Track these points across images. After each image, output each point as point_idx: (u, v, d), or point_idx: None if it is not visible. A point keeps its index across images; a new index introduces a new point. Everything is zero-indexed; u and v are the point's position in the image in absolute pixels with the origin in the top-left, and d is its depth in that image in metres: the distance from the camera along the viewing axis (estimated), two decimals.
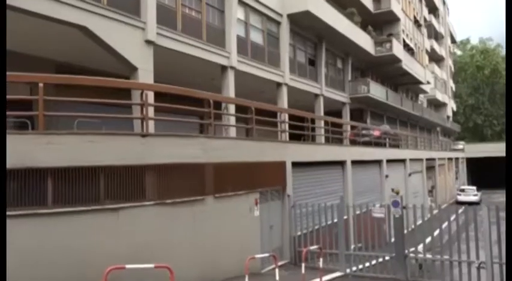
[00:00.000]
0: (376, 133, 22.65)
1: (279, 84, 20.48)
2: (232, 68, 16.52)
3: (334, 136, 18.22)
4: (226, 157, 9.98)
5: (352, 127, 23.01)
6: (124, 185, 7.79)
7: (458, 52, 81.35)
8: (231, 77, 16.45)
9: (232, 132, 15.94)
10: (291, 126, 15.86)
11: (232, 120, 16.01)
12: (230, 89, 16.37)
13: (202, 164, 9.20)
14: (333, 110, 29.03)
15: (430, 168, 32.36)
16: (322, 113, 24.29)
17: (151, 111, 10.28)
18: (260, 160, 11.25)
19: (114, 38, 11.13)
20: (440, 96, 54.82)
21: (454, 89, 68.77)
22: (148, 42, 12.40)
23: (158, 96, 11.28)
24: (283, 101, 20.34)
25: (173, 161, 8.55)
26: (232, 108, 15.83)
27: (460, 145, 54.23)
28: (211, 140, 9.65)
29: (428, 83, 43.36)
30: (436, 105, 58.07)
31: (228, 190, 9.90)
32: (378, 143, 21.92)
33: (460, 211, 11.29)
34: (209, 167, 9.35)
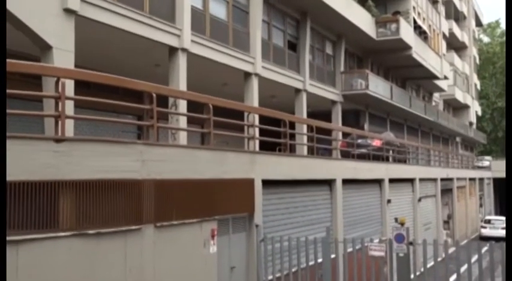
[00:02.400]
0: (377, 143, 23.06)
1: (247, 75, 20.63)
2: (183, 50, 16.53)
3: (321, 146, 18.43)
4: (173, 171, 9.93)
5: (345, 134, 23.36)
6: (28, 209, 7.62)
7: (485, 39, 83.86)
8: (182, 63, 16.45)
9: (183, 138, 15.90)
10: (262, 132, 15.95)
11: (183, 121, 15.98)
12: (181, 79, 16.36)
13: (139, 181, 9.12)
14: (320, 111, 29.44)
15: (446, 191, 33.15)
16: (305, 115, 24.56)
17: (69, 107, 10.13)
18: (219, 176, 11.25)
19: (17, 1, 10.95)
20: (461, 96, 56.35)
21: (479, 86, 70.90)
22: (69, 11, 12.24)
23: (81, 86, 11.14)
24: (253, 98, 20.48)
25: (99, 176, 8.44)
26: (183, 106, 15.80)
27: (486, 161, 55.73)
28: (153, 148, 9.60)
29: (445, 78, 44.59)
30: (456, 107, 59.71)
31: (175, 217, 9.85)
32: (378, 156, 22.31)
33: (484, 249, 11.58)
34: (149, 185, 9.28)
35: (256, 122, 16.10)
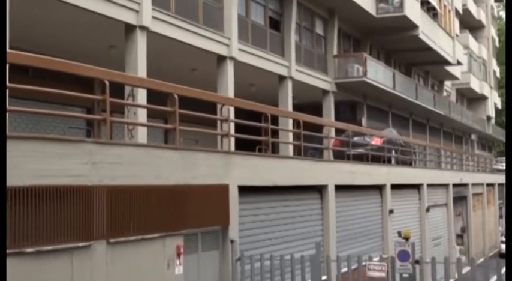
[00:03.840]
0: (376, 142, 23.20)
1: (221, 59, 20.65)
2: (143, 28, 16.48)
3: (310, 145, 18.50)
4: (130, 176, 9.89)
5: (339, 131, 23.45)
6: None
7: None
8: (141, 44, 16.40)
9: (142, 135, 15.85)
10: (239, 128, 15.94)
11: (143, 115, 15.91)
12: (139, 64, 16.32)
13: (88, 187, 9.07)
14: (309, 102, 29.53)
15: (460, 199, 33.48)
16: (290, 108, 24.64)
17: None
18: (187, 182, 11.23)
19: None
20: (477, 85, 56.98)
21: (498, 74, 71.72)
22: None
23: (17, 72, 11.03)
24: (228, 86, 20.50)
25: (39, 182, 8.37)
26: (142, 96, 15.74)
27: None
28: (106, 147, 9.55)
29: (458, 63, 45.07)
30: (471, 99, 60.39)
31: (132, 232, 9.81)
32: (378, 157, 22.46)
33: (504, 269, 11.71)
34: (100, 193, 9.23)
35: (232, 116, 16.10)
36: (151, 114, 16.38)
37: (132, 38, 16.36)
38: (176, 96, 11.43)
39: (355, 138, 21.88)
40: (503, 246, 38.47)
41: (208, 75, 21.57)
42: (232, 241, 12.51)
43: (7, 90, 8.49)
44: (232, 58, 20.75)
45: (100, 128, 10.07)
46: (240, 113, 16.13)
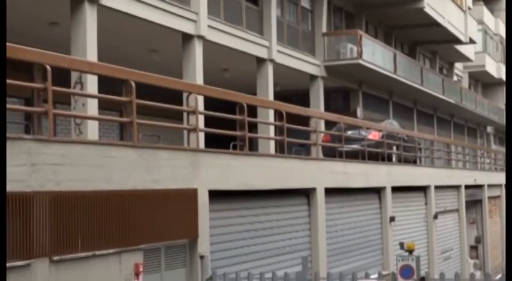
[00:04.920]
0: (374, 136, 23.30)
1: (187, 38, 20.61)
2: (92, 2, 16.38)
3: (295, 141, 18.52)
4: (78, 180, 9.85)
5: (330, 124, 23.49)
6: None
7: None
8: (90, 20, 16.33)
9: (93, 131, 15.77)
10: (209, 121, 15.92)
11: (93, 107, 15.83)
12: (88, 44, 16.25)
13: (27, 194, 9.01)
14: (293, 90, 29.58)
15: (474, 204, 33.73)
16: (271, 96, 24.64)
17: None
18: (147, 186, 11.20)
19: None
20: (493, 68, 57.39)
21: None
22: None
23: None
24: (196, 71, 20.47)
25: None
26: (92, 84, 15.66)
27: None
28: (48, 146, 9.49)
29: (471, 41, 45.32)
30: (487, 84, 60.82)
31: (81, 247, 9.77)
32: (376, 154, 22.56)
33: None
34: (42, 200, 9.18)
35: (201, 107, 16.07)
36: (103, 106, 16.31)
37: (78, 13, 16.26)
38: (133, 84, 11.38)
39: (349, 132, 21.95)
40: None
41: (171, 57, 21.49)
42: (201, 257, 12.50)
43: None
44: (200, 37, 20.70)
45: (41, 122, 10.00)
46: (210, 103, 16.11)
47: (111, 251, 10.33)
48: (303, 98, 28.24)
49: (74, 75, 15.62)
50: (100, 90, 15.12)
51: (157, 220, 11.42)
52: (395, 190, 22.55)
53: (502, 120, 57.76)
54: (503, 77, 59.92)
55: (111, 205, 10.38)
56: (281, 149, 17.27)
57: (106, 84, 13.23)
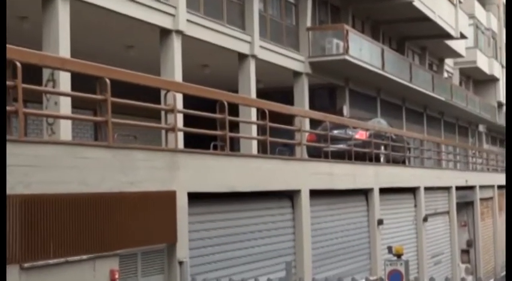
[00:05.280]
0: (361, 135, 23.35)
1: (165, 33, 20.59)
2: None
3: (278, 141, 18.53)
4: (50, 182, 9.80)
5: (315, 123, 23.51)
6: None
7: None
8: (62, 14, 16.28)
9: (66, 130, 15.71)
10: (188, 120, 15.88)
11: (66, 105, 15.77)
12: (61, 40, 16.19)
13: None
14: (277, 87, 29.56)
15: (466, 206, 33.86)
16: (254, 94, 24.64)
17: None
18: (123, 188, 11.16)
19: None
20: (485, 64, 57.66)
21: None
22: None
23: None
24: (175, 68, 20.45)
25: None
26: (65, 81, 15.60)
27: None
28: (18, 146, 9.44)
29: (462, 36, 45.53)
30: (478, 81, 61.08)
31: (53, 253, 9.72)
32: (363, 155, 22.62)
33: None
34: (11, 204, 9.13)
35: (179, 106, 16.06)
36: (77, 105, 16.25)
37: (50, 6, 16.19)
38: (108, 81, 11.35)
39: (335, 132, 21.98)
40: None
41: (149, 53, 21.46)
42: (180, 263, 12.48)
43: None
44: (179, 32, 20.67)
45: (11, 122, 9.96)
46: (189, 101, 16.08)
47: (85, 257, 10.29)
48: (286, 96, 28.25)
49: (46, 73, 15.56)
50: (73, 88, 15.07)
51: (134, 224, 11.39)
52: (383, 191, 22.61)
53: (494, 118, 58.03)
54: (496, 74, 60.22)
55: (84, 209, 10.34)
56: (264, 149, 17.27)
57: (80, 81, 13.18)
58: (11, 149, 9.31)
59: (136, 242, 11.56)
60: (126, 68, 12.55)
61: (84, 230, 10.32)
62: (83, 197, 10.35)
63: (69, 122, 16.06)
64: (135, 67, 14.30)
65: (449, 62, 53.29)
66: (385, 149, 25.05)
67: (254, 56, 25.04)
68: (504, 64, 65.05)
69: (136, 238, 11.52)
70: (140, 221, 11.56)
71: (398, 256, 12.93)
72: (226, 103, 14.61)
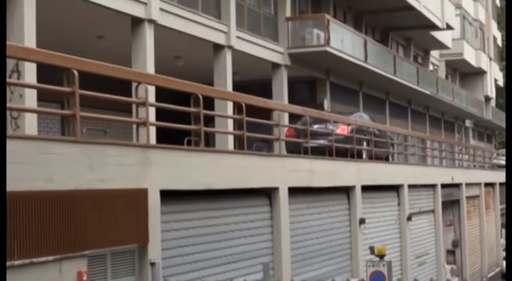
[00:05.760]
0: (343, 130, 23.40)
1: (136, 22, 20.53)
2: None
3: (256, 136, 18.53)
4: (13, 179, 9.73)
5: (294, 117, 23.52)
6: None
7: None
8: (28, 3, 16.18)
9: (31, 124, 15.63)
10: (161, 114, 15.86)
11: (32, 98, 15.68)
12: (26, 28, 16.10)
13: None
14: (254, 80, 29.55)
15: (451, 204, 34.03)
16: (230, 87, 24.63)
17: None
18: (91, 186, 11.12)
19: None
20: (472, 56, 57.96)
21: (500, 42, 73.05)
22: None
23: None
24: (147, 59, 20.40)
25: None
26: (30, 72, 15.51)
27: None
28: None
29: (449, 27, 45.74)
30: (465, 74, 61.43)
31: (16, 254, 9.68)
32: (344, 151, 22.67)
33: None
34: None
35: (151, 99, 16.02)
36: (43, 97, 16.17)
37: None
38: (76, 73, 11.31)
39: (315, 127, 22.02)
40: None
41: (119, 44, 21.38)
42: (152, 264, 12.46)
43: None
44: (151, 21, 20.61)
45: None
46: (162, 94, 16.06)
47: (50, 258, 10.25)
48: (264, 89, 28.30)
49: (10, 63, 15.46)
50: (39, 80, 14.99)
51: (103, 223, 11.36)
52: (366, 189, 22.66)
53: (481, 113, 58.36)
54: (483, 66, 60.57)
55: (51, 207, 10.30)
56: (240, 145, 17.25)
57: (46, 73, 13.12)
58: None
59: (106, 243, 11.52)
60: (95, 59, 12.49)
61: (50, 229, 10.28)
62: (49, 195, 10.30)
63: (34, 116, 15.98)
64: (105, 58, 14.25)
65: (435, 54, 53.53)
66: (368, 145, 25.11)
67: (230, 47, 25.02)
68: (492, 56, 65.46)
69: (106, 238, 11.48)
70: (110, 220, 11.54)
71: (381, 256, 13.01)
72: (201, 96, 14.59)
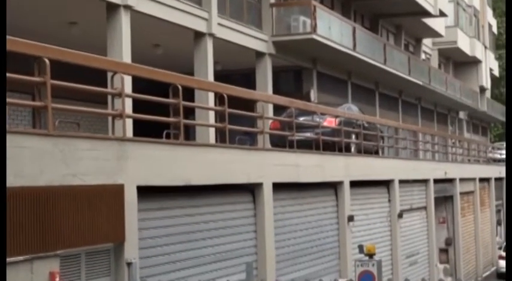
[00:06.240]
0: (330, 123, 23.41)
1: (112, 8, 20.46)
2: None
3: (238, 128, 18.53)
4: None
5: (279, 109, 23.52)
6: None
7: None
8: None
9: None
10: (138, 106, 15.83)
11: None
12: None
13: None
14: (237, 69, 29.52)
15: (445, 200, 34.14)
16: (211, 77, 24.60)
17: None
18: (64, 182, 11.09)
19: None
20: (467, 44, 58.05)
21: (495, 29, 73.24)
22: None
23: None
24: (123, 47, 20.34)
25: None
26: None
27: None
28: None
29: (442, 14, 45.81)
30: (459, 63, 61.56)
31: None
32: (332, 144, 22.69)
33: None
34: None
35: (128, 89, 15.99)
36: (12, 88, 16.06)
37: None
38: (47, 61, 11.28)
39: (301, 119, 22.01)
40: (503, 263, 39.30)
41: (94, 31, 21.31)
42: (129, 264, 12.45)
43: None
44: (127, 7, 20.53)
45: None
46: (140, 84, 16.03)
47: (21, 258, 10.22)
48: (248, 79, 28.28)
49: None
50: (8, 70, 14.90)
51: (77, 221, 11.34)
52: (355, 184, 22.70)
53: (476, 104, 58.50)
54: (478, 55, 60.70)
55: (21, 204, 10.27)
56: (222, 138, 17.26)
57: (16, 62, 13.07)
58: None
59: (80, 242, 11.51)
60: (68, 47, 12.44)
61: (20, 228, 10.25)
62: (20, 191, 10.27)
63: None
64: (78, 46, 14.22)
65: (427, 42, 53.62)
66: (357, 138, 25.12)
67: (212, 35, 24.97)
68: (487, 45, 65.63)
69: (80, 237, 11.46)
70: (84, 218, 11.52)
71: (370, 255, 13.04)
72: (180, 87, 14.57)
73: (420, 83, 43.36)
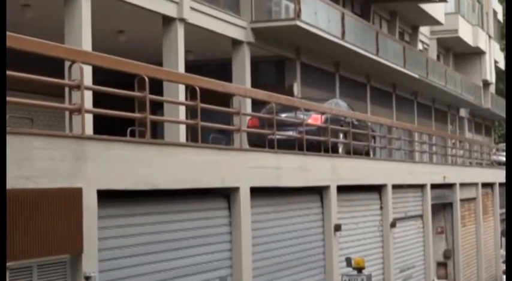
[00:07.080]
0: (315, 120, 23.46)
1: None
2: None
3: (212, 126, 18.54)
4: None
5: (258, 104, 23.54)
6: None
7: None
8: None
9: None
10: (99, 100, 15.81)
11: None
12: None
13: None
14: (211, 59, 29.53)
15: (443, 208, 34.26)
16: (182, 67, 24.59)
17: None
18: (16, 185, 11.06)
19: None
20: (469, 33, 58.30)
21: (501, 16, 73.52)
22: None
23: None
24: (82, 34, 20.31)
25: None
26: None
27: None
28: None
29: None
30: (460, 54, 61.78)
31: None
32: (317, 144, 22.73)
33: None
34: None
35: (88, 81, 15.96)
36: None
37: None
38: None
39: (283, 115, 22.05)
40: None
41: (50, 15, 21.26)
42: (87, 278, 12.43)
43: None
44: None
45: None
46: (101, 75, 16.01)
47: None
48: (223, 70, 28.34)
49: None
50: None
51: (29, 229, 11.31)
52: (342, 190, 22.76)
53: (479, 100, 58.68)
54: (481, 46, 60.88)
55: None
56: (194, 136, 17.26)
57: None
58: None
59: (32, 253, 11.48)
60: (20, 33, 12.41)
61: None
62: None
63: None
64: (32, 32, 14.17)
65: (424, 30, 53.78)
66: (345, 137, 25.19)
67: (183, 20, 24.95)
68: (491, 34, 65.87)
69: (32, 247, 11.43)
70: (36, 226, 11.49)
71: (359, 269, 13.09)
72: (146, 78, 14.57)
73: (416, 76, 43.49)
